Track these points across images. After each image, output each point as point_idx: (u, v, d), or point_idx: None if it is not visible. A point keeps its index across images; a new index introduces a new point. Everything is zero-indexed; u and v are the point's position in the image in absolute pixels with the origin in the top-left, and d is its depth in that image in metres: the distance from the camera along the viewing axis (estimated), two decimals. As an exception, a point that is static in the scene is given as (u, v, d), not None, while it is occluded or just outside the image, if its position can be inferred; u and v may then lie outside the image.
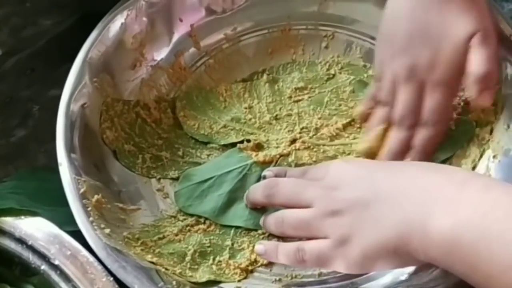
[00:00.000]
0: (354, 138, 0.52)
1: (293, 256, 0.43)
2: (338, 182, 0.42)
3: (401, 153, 0.48)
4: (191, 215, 0.48)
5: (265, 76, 0.55)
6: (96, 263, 0.42)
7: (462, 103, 0.51)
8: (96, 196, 0.45)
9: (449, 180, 0.38)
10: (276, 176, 0.48)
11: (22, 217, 0.45)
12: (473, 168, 0.49)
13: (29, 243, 0.43)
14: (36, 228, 0.44)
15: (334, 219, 0.41)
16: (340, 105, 0.53)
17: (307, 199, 0.43)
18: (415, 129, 0.47)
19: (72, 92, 0.49)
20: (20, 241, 0.44)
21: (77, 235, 0.43)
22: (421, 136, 0.47)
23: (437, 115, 0.47)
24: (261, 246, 0.45)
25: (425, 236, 0.37)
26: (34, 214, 0.45)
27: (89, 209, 0.44)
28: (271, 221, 0.46)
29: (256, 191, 0.47)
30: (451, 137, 0.50)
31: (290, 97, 0.54)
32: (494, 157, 0.48)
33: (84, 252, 0.43)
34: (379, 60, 0.50)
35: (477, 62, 0.45)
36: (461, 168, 0.47)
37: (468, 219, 0.35)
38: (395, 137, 0.48)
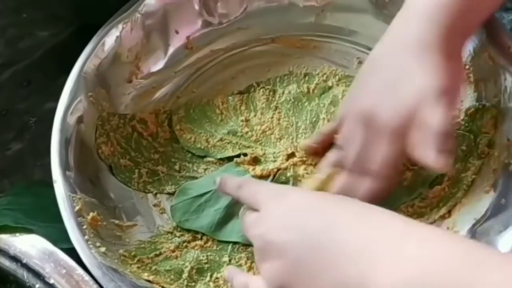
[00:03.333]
0: None
1: None
2: (270, 223, 0.40)
3: None
4: (188, 231, 0.47)
5: (261, 88, 0.54)
6: (91, 282, 0.41)
7: (463, 116, 0.50)
8: (91, 214, 0.44)
9: (386, 235, 0.35)
10: (221, 185, 0.46)
11: (17, 234, 0.44)
12: (472, 181, 0.47)
13: (24, 261, 0.42)
14: (30, 246, 0.43)
15: (268, 263, 0.39)
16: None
17: (250, 238, 0.41)
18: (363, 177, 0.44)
19: (67, 107, 0.47)
20: (15, 259, 0.43)
21: (72, 253, 0.42)
22: (364, 186, 0.44)
23: (382, 168, 0.43)
24: (227, 272, 0.45)
25: None
26: (29, 231, 0.44)
27: (84, 227, 0.43)
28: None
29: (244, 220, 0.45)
30: None
31: (287, 110, 0.52)
32: (494, 170, 0.46)
33: (79, 270, 0.42)
34: (346, 103, 0.47)
35: (438, 119, 0.40)
36: (396, 214, 0.40)
37: (408, 279, 0.33)
38: (341, 182, 0.45)
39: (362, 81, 0.45)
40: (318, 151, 0.49)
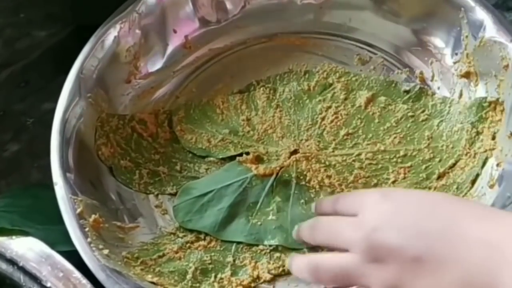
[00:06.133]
0: (354, 146, 0.48)
1: None
2: (378, 223, 0.36)
3: None
4: (191, 232, 0.45)
5: (262, 87, 0.51)
6: (89, 286, 0.39)
7: (465, 109, 0.47)
8: (93, 216, 0.41)
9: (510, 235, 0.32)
10: (317, 207, 0.43)
11: (14, 237, 0.41)
12: (476, 176, 0.45)
13: (20, 264, 0.40)
14: (27, 249, 0.41)
15: (377, 267, 0.35)
16: (339, 113, 0.49)
17: (344, 242, 0.37)
18: None
19: (66, 108, 0.45)
20: (11, 262, 0.40)
21: (70, 256, 0.40)
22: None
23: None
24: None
25: None
26: (25, 234, 0.41)
27: (87, 229, 0.40)
28: (303, 267, 0.39)
29: (303, 230, 0.42)
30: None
31: (288, 108, 0.50)
32: (497, 165, 0.44)
33: (77, 273, 0.39)
34: None
35: None
36: None
37: None
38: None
39: None
40: None
